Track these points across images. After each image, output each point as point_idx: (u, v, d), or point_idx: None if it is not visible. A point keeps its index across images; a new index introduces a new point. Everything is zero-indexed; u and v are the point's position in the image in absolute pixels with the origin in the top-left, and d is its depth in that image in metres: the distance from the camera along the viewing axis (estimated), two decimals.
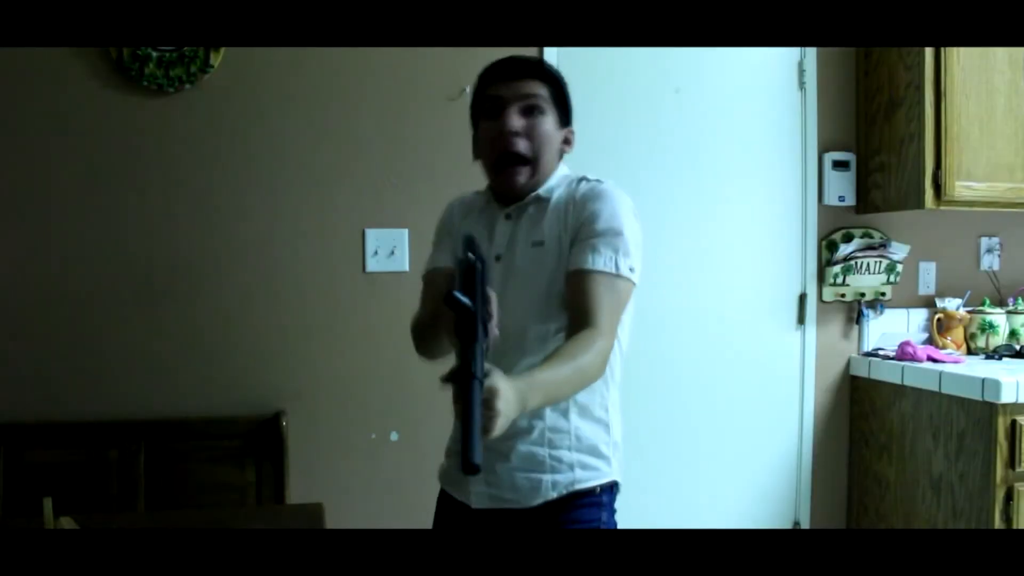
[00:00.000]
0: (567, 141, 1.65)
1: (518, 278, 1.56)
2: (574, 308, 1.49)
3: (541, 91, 1.57)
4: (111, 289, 2.53)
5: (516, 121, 1.55)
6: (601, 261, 1.48)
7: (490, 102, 1.58)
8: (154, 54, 2.48)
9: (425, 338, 1.60)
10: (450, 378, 1.15)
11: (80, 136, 2.50)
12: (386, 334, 2.64)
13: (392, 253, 2.65)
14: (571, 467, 1.55)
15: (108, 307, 2.53)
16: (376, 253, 2.65)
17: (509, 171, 1.57)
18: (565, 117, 1.63)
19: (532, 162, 1.57)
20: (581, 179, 1.60)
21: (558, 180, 1.62)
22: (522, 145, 1.55)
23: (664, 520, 2.78)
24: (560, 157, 1.65)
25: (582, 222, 1.53)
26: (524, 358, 1.53)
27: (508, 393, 1.19)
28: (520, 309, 1.53)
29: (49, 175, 2.49)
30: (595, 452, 1.58)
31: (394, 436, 2.68)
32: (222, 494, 2.47)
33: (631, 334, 1.64)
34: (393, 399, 2.66)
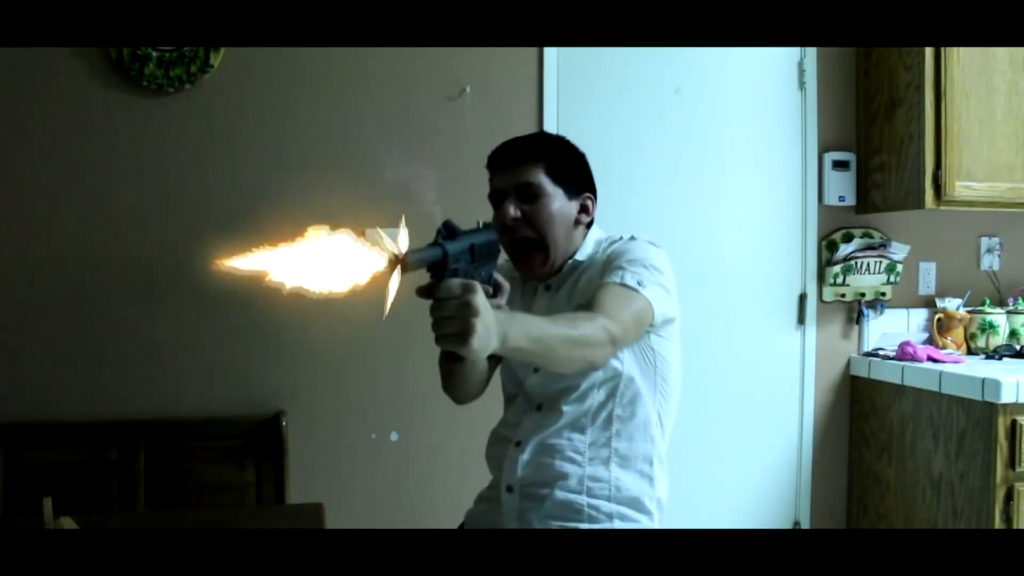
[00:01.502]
0: (584, 210, 1.63)
1: None
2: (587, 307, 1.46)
3: (537, 174, 1.56)
4: (111, 289, 2.53)
5: (514, 211, 1.55)
6: (617, 276, 1.47)
7: (493, 195, 1.60)
8: (154, 54, 2.48)
9: (451, 373, 1.59)
10: (425, 289, 1.09)
11: (80, 136, 2.50)
12: (386, 334, 2.64)
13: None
14: (609, 517, 1.53)
15: (108, 307, 2.53)
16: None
17: (523, 257, 1.58)
18: (575, 187, 1.61)
19: (543, 245, 1.57)
20: (619, 238, 1.60)
21: (594, 246, 1.62)
22: (525, 231, 1.56)
23: (664, 519, 2.77)
24: (585, 225, 1.64)
25: (608, 262, 1.53)
26: (562, 420, 1.54)
27: (487, 303, 1.09)
28: (560, 376, 1.53)
29: (49, 175, 2.49)
30: (636, 505, 1.56)
31: (394, 436, 2.68)
32: (222, 494, 2.47)
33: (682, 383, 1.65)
34: (393, 399, 2.66)
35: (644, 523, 1.56)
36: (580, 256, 1.61)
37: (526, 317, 1.25)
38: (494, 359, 1.65)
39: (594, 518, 1.52)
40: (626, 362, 1.54)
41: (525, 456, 1.56)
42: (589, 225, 1.65)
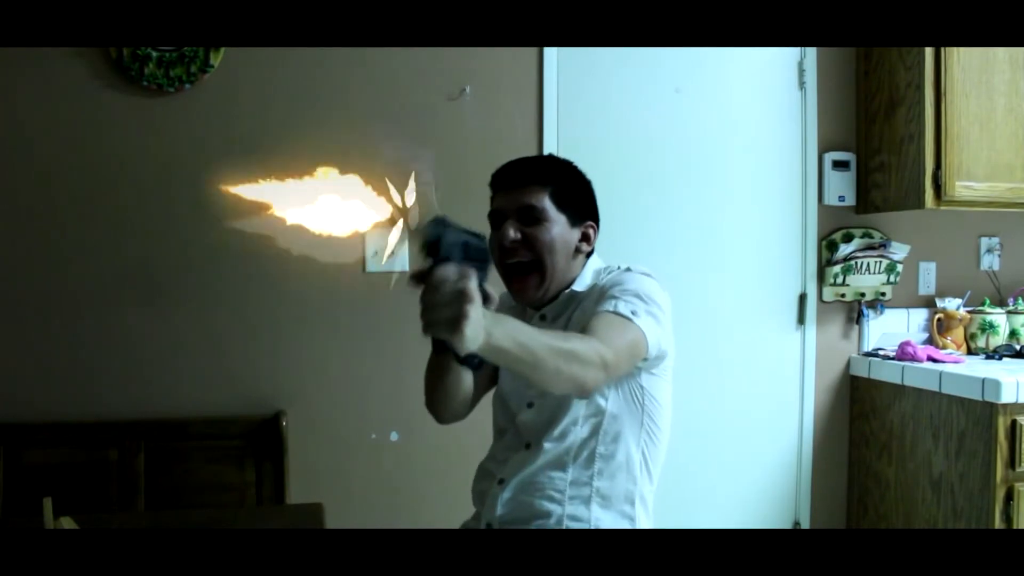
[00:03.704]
0: (585, 238, 1.60)
1: None
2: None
3: (542, 198, 1.54)
4: (111, 289, 2.53)
5: (514, 233, 1.53)
6: (611, 305, 1.44)
7: (493, 215, 1.58)
8: (154, 54, 2.48)
9: (435, 386, 1.57)
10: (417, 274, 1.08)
11: (80, 136, 2.50)
12: (386, 334, 2.64)
13: (392, 253, 2.65)
14: None
15: (108, 307, 2.53)
16: (376, 253, 2.65)
17: (517, 280, 1.55)
18: (579, 215, 1.58)
19: (540, 270, 1.54)
20: (618, 268, 1.58)
21: (593, 276, 1.59)
22: (523, 255, 1.53)
23: (664, 520, 2.77)
24: (584, 254, 1.60)
25: (604, 290, 1.50)
26: (543, 457, 1.52)
27: (476, 312, 1.06)
28: (550, 407, 1.53)
29: (49, 175, 2.49)
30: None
31: (394, 436, 2.68)
32: (222, 494, 2.47)
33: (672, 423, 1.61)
34: (393, 399, 2.66)
35: None
36: (578, 287, 1.57)
37: (514, 321, 1.23)
38: (483, 381, 1.64)
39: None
40: (611, 399, 1.52)
41: (506, 494, 1.55)
42: (589, 254, 1.62)
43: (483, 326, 1.07)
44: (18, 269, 2.49)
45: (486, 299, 1.28)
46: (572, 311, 1.56)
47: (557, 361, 1.24)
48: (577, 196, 1.59)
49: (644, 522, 1.58)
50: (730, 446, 2.95)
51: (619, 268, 1.58)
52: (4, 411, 2.45)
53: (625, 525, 1.55)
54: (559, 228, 1.55)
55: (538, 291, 1.56)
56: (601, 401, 1.52)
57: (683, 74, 2.89)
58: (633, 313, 1.43)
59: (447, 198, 2.25)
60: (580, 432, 1.52)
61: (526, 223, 1.54)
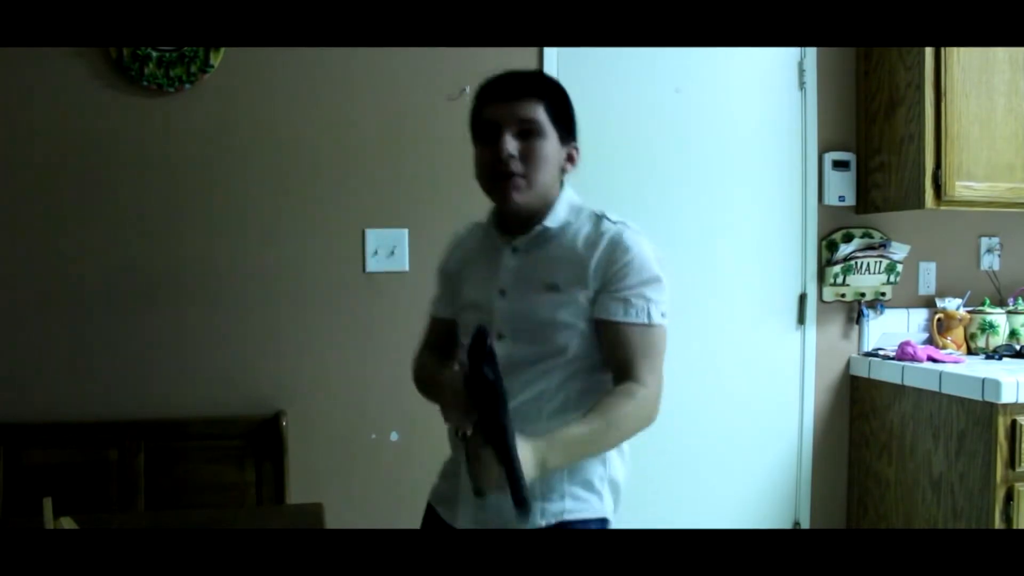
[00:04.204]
0: (570, 159, 1.58)
1: (526, 318, 1.51)
2: (612, 363, 1.48)
3: (538, 111, 1.51)
4: (111, 289, 2.53)
5: (511, 145, 1.49)
6: (634, 312, 1.45)
7: (486, 126, 1.53)
8: (154, 54, 2.48)
9: (429, 389, 1.62)
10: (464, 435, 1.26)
11: (80, 136, 2.50)
12: (386, 334, 2.64)
13: (392, 253, 2.66)
14: (562, 497, 1.50)
15: (108, 307, 2.52)
16: (376, 253, 2.65)
17: (503, 185, 1.51)
18: (567, 134, 1.57)
19: (530, 182, 1.50)
20: (600, 217, 1.54)
21: (567, 211, 1.55)
22: (517, 168, 1.50)
23: (664, 520, 2.77)
24: (562, 175, 1.58)
25: (612, 275, 1.47)
26: (521, 394, 1.49)
27: (524, 451, 1.23)
28: (524, 349, 1.50)
29: (49, 175, 2.49)
30: (588, 486, 1.52)
31: (394, 436, 2.68)
32: (222, 494, 2.47)
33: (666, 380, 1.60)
34: (393, 399, 2.66)
35: (593, 504, 1.52)
36: (552, 223, 1.53)
37: (560, 435, 1.34)
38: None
39: (547, 496, 1.48)
40: (580, 378, 1.51)
41: None
42: (563, 183, 1.59)
43: (534, 463, 1.26)
44: (18, 269, 2.48)
45: (488, 384, 1.30)
46: (548, 251, 1.53)
47: (616, 435, 1.43)
48: (567, 113, 1.58)
49: (617, 463, 1.56)
50: (730, 446, 2.95)
51: (607, 218, 1.53)
52: (4, 411, 2.45)
53: (596, 465, 1.52)
54: (552, 144, 1.52)
55: (524, 196, 1.51)
56: (571, 383, 1.51)
57: (683, 74, 2.89)
58: (651, 315, 1.47)
59: (447, 197, 2.26)
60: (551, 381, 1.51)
61: (522, 137, 1.50)
